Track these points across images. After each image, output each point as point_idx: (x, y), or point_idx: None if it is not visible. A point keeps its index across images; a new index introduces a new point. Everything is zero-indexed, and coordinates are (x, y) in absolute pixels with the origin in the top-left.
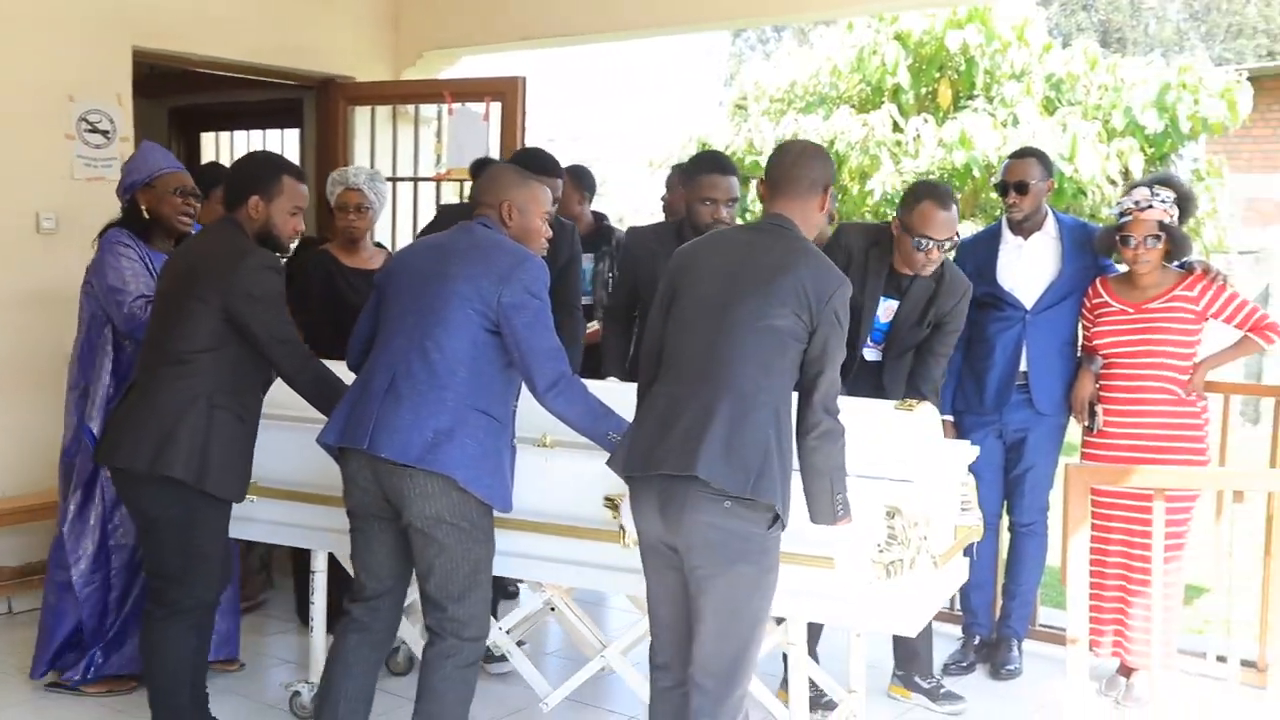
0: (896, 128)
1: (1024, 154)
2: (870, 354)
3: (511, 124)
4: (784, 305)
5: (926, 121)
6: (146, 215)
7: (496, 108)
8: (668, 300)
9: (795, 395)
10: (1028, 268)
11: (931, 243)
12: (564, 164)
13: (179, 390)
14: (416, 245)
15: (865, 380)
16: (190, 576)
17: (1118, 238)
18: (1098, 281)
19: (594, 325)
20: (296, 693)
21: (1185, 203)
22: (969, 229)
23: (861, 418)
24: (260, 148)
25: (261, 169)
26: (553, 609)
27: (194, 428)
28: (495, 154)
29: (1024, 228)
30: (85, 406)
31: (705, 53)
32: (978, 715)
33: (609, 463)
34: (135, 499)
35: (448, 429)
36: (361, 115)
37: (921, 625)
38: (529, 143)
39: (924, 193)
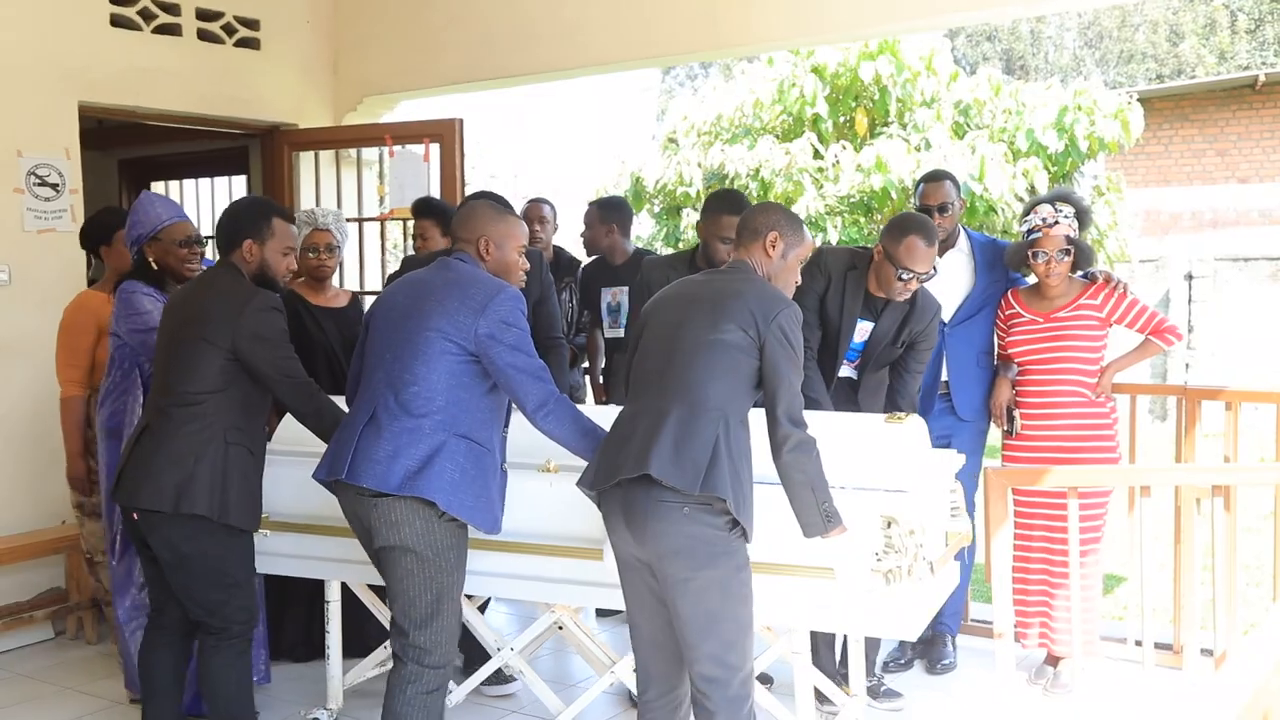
0: (817, 155)
1: (938, 177)
2: (845, 371)
3: (450, 164)
4: (731, 321)
5: (845, 148)
6: (155, 266)
7: (436, 149)
8: (637, 336)
9: (757, 414)
10: (944, 283)
11: (913, 275)
12: (513, 201)
13: (194, 431)
14: (398, 283)
15: (841, 396)
16: (232, 604)
17: (1029, 253)
18: (1009, 294)
19: None
20: (315, 719)
21: (1083, 216)
22: None
23: (854, 432)
24: (209, 195)
25: (252, 214)
26: (560, 628)
27: (213, 466)
28: (436, 193)
29: (941, 246)
30: (119, 448)
31: (641, 90)
32: (917, 711)
33: (579, 483)
34: (164, 538)
35: (427, 456)
36: (305, 160)
37: (921, 629)
38: (471, 180)
39: (912, 227)
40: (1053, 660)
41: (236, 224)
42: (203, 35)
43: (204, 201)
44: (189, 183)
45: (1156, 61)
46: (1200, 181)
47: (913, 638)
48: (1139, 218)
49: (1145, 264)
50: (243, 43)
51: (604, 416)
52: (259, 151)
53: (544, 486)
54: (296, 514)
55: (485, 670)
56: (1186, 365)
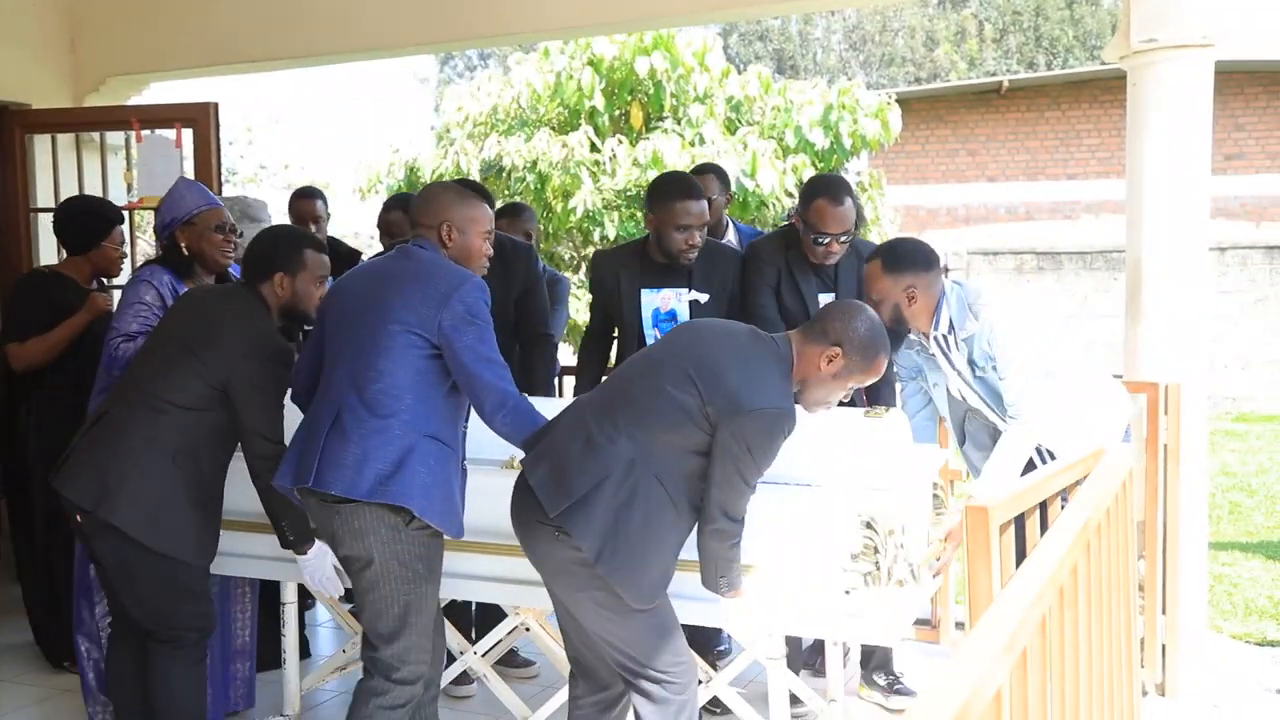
0: (594, 148)
1: (702, 170)
2: None
3: (205, 150)
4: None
5: (621, 142)
6: (186, 253)
7: (189, 135)
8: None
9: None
10: None
11: (828, 237)
12: (283, 194)
13: (146, 437)
14: (355, 272)
15: None
16: (184, 611)
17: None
18: None
19: None
20: None
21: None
22: None
23: (830, 427)
24: None
25: (285, 245)
26: (527, 629)
27: (148, 480)
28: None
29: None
30: None
31: (419, 82)
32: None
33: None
34: (99, 542)
35: (398, 459)
36: (41, 144)
37: (900, 634)
38: (239, 171)
39: (818, 190)
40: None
41: (267, 255)
42: None
43: None
44: None
45: (914, 65)
46: (954, 180)
47: (892, 643)
48: (899, 213)
49: None
50: None
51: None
52: None
53: (507, 484)
54: (248, 511)
55: (450, 674)
56: None
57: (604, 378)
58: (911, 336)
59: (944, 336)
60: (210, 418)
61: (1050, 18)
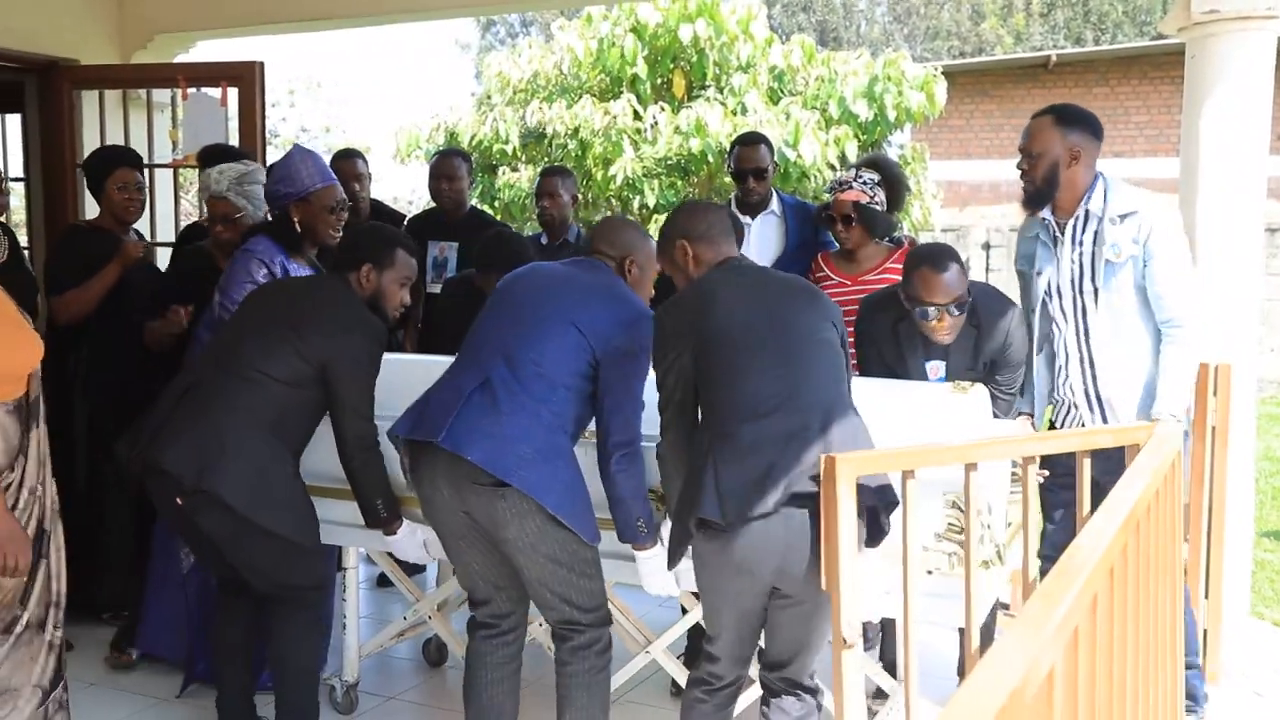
0: (636, 116)
1: (753, 140)
2: None
3: (250, 110)
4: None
5: (663, 110)
6: (298, 228)
7: (234, 93)
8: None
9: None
10: (756, 244)
11: (932, 309)
12: (324, 155)
13: (248, 407)
14: (538, 266)
15: None
16: (298, 569)
17: (824, 215)
18: (820, 256)
19: None
20: (331, 687)
21: (893, 184)
22: None
23: (916, 402)
24: None
25: (377, 240)
26: None
27: (250, 447)
28: (235, 140)
29: (753, 207)
30: None
31: (461, 48)
32: None
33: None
34: (207, 517)
35: (543, 449)
36: (89, 100)
37: (984, 619)
38: (281, 134)
39: (919, 260)
40: None
41: (359, 246)
42: None
43: None
44: None
45: (959, 39)
46: (998, 155)
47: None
48: (941, 188)
49: (947, 233)
50: None
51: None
52: (35, 89)
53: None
54: (311, 475)
55: (395, 626)
56: None
57: None
58: (1042, 217)
59: (1084, 214)
60: (305, 394)
61: None
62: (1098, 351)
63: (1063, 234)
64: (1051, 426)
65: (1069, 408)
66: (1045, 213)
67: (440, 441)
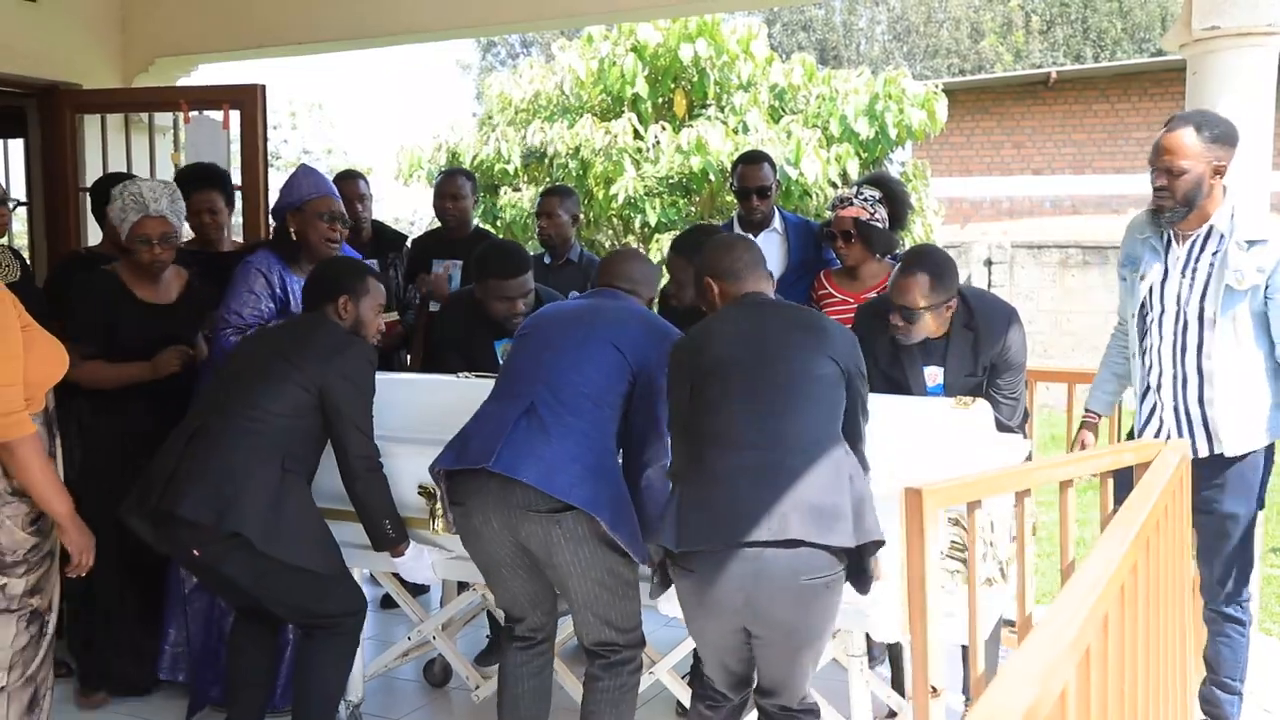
0: (637, 135)
1: (756, 159)
2: None
3: (252, 132)
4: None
5: (664, 129)
6: (295, 238)
7: (236, 116)
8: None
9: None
10: None
11: (897, 310)
12: (330, 175)
13: (255, 447)
14: (559, 305)
15: None
16: (333, 597)
17: (826, 232)
18: (822, 274)
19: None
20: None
21: (895, 201)
22: None
23: (918, 417)
24: None
25: (348, 271)
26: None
27: (264, 485)
28: (237, 163)
29: (756, 225)
30: None
31: (462, 69)
32: None
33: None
34: (233, 562)
35: (593, 468)
36: (91, 124)
37: (985, 635)
38: (283, 155)
39: (903, 259)
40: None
41: (332, 280)
42: None
43: None
44: None
45: (959, 57)
46: (999, 172)
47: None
48: (943, 205)
49: (950, 249)
50: None
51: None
52: (36, 113)
53: None
54: (319, 495)
55: (399, 647)
56: None
57: None
58: (1156, 220)
59: (1207, 230)
60: (309, 422)
61: (1099, 9)
62: (1207, 374)
63: (1179, 244)
64: (1130, 436)
65: (1157, 421)
66: (1162, 220)
67: (491, 466)
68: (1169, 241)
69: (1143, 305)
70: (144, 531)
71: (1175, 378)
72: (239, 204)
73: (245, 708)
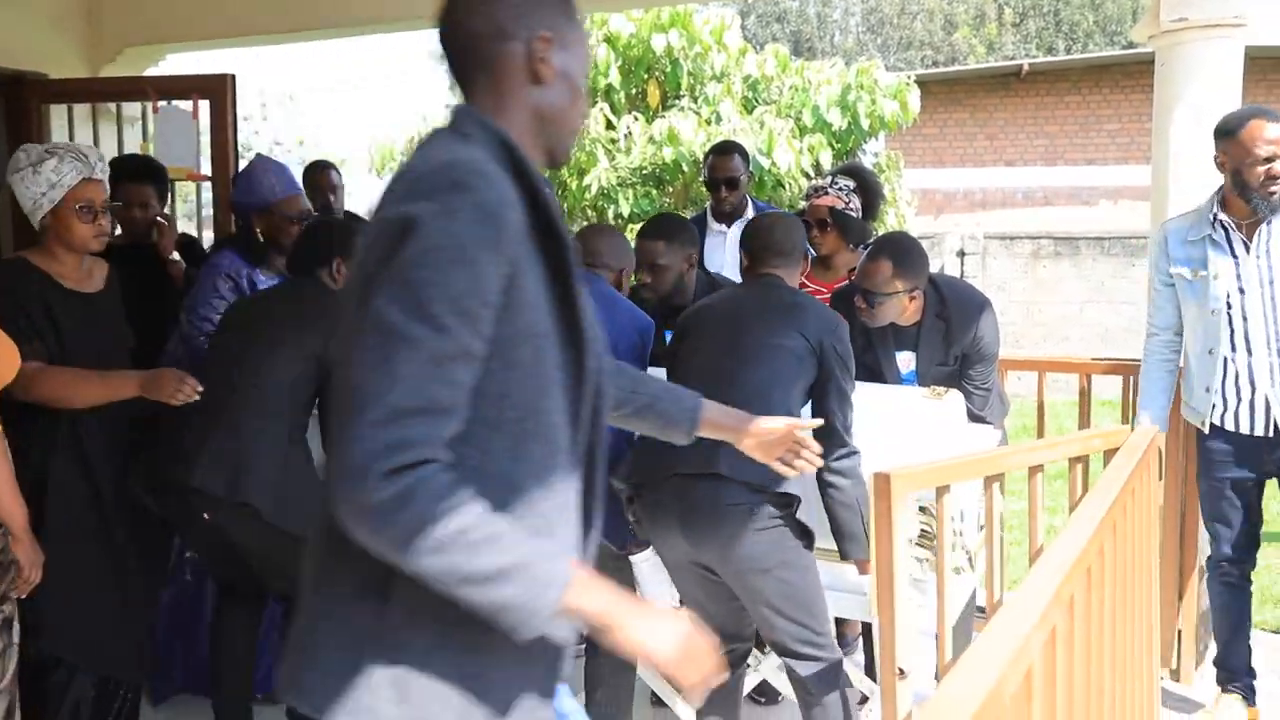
0: (610, 125)
1: (727, 150)
2: None
3: (222, 122)
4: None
5: (637, 120)
6: (261, 239)
7: (206, 106)
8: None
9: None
10: (733, 252)
11: (860, 294)
12: (295, 169)
13: (261, 416)
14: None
15: None
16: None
17: (800, 221)
18: None
19: None
20: None
21: (868, 192)
22: None
23: (889, 406)
24: None
25: (340, 233)
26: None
27: (273, 459)
28: (206, 154)
29: (729, 215)
30: None
31: (436, 59)
32: None
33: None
34: (239, 529)
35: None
36: (58, 114)
37: (952, 621)
38: (253, 146)
39: (874, 243)
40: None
41: (324, 243)
42: None
43: None
44: None
45: (933, 49)
46: (972, 164)
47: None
48: (916, 196)
49: (922, 240)
50: None
51: None
52: (2, 103)
53: None
54: None
55: None
56: None
57: None
58: (1218, 219)
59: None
60: (309, 393)
61: (1070, 3)
62: None
63: (1238, 232)
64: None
65: (1248, 408)
66: (1213, 215)
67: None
68: (1227, 233)
69: (1220, 300)
70: (150, 501)
71: (1272, 369)
72: (208, 195)
73: (233, 692)
